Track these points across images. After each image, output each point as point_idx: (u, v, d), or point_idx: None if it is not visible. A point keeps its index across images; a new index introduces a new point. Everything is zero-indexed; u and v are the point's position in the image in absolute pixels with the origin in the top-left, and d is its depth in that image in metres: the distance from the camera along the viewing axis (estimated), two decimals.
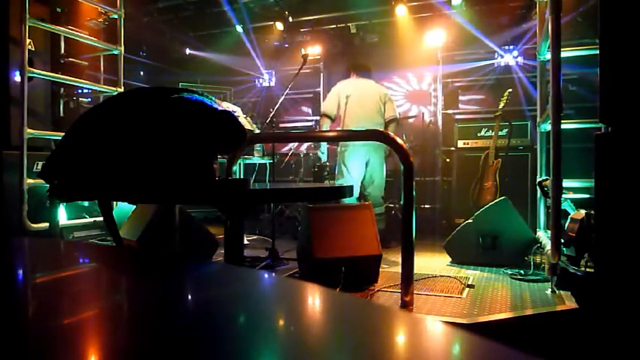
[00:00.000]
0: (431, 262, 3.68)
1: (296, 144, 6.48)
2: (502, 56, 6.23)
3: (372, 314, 0.47)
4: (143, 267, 0.69)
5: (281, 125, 6.76)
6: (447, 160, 5.79)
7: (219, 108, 1.50)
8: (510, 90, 4.79)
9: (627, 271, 1.81)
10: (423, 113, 6.64)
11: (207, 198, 1.64)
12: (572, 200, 3.00)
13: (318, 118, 6.28)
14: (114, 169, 1.38)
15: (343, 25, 6.91)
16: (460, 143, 5.32)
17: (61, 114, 4.54)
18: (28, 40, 3.35)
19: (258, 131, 4.56)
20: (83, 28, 4.63)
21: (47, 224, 3.42)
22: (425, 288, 2.84)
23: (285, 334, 0.42)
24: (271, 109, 4.16)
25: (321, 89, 7.09)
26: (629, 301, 1.79)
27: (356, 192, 4.13)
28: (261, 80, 8.11)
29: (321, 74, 7.14)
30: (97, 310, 0.49)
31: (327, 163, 5.06)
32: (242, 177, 4.80)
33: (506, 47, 6.18)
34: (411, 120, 6.23)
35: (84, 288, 0.59)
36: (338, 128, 4.40)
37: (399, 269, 2.30)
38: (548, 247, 2.60)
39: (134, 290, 0.59)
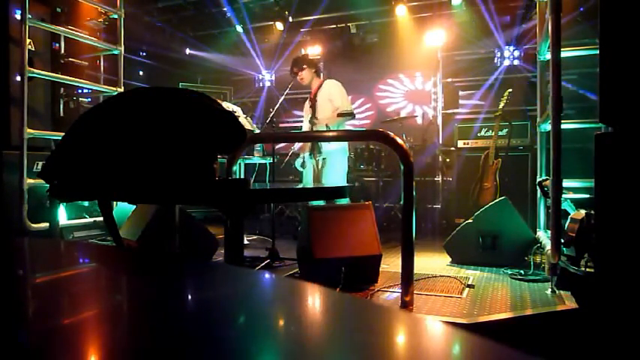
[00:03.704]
0: (431, 262, 3.68)
1: (295, 144, 6.48)
2: (502, 56, 6.23)
3: (372, 314, 0.46)
4: (143, 267, 0.69)
5: (281, 125, 6.76)
6: (447, 160, 5.79)
7: (219, 108, 1.50)
8: (510, 90, 4.79)
9: (627, 271, 1.81)
10: (423, 113, 6.64)
11: (207, 198, 1.64)
12: (572, 200, 3.00)
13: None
14: (114, 169, 1.38)
15: (343, 25, 6.91)
16: (460, 143, 5.32)
17: (61, 114, 4.54)
18: (28, 40, 3.35)
19: (258, 131, 4.56)
20: (83, 28, 4.63)
21: (47, 224, 3.42)
22: (425, 288, 2.84)
23: (286, 334, 0.42)
24: (271, 109, 4.16)
25: None
26: (629, 301, 1.79)
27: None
28: (261, 80, 8.12)
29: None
30: (97, 310, 0.49)
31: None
32: (242, 177, 4.80)
33: (507, 47, 6.19)
34: (418, 120, 6.22)
35: (84, 288, 0.59)
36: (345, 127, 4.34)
37: (399, 269, 2.30)
38: (548, 247, 2.60)
39: (134, 290, 0.59)
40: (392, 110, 6.85)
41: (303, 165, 4.42)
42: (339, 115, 4.14)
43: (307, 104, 4.43)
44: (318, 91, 4.31)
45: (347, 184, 4.12)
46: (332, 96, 4.20)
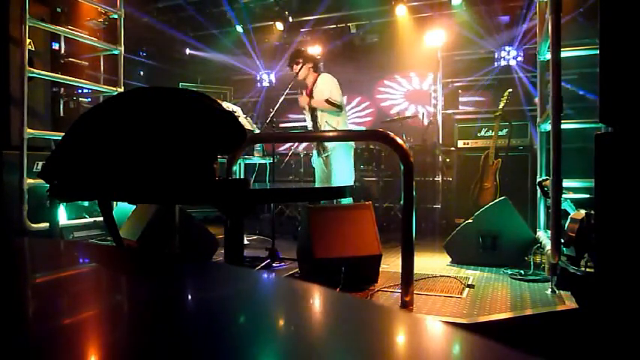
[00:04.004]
0: (431, 262, 3.68)
1: (296, 144, 6.48)
2: (502, 56, 6.23)
3: (372, 314, 0.46)
4: (143, 267, 0.69)
5: (281, 125, 6.76)
6: (447, 160, 5.79)
7: (219, 108, 1.50)
8: (510, 90, 4.79)
9: (627, 271, 1.81)
10: (423, 113, 6.64)
11: (207, 198, 1.64)
12: (572, 200, 3.00)
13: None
14: (114, 170, 1.38)
15: (343, 25, 6.91)
16: (460, 143, 5.32)
17: (61, 114, 4.54)
18: (28, 40, 3.35)
19: (258, 131, 4.57)
20: (83, 28, 4.64)
21: (47, 224, 3.42)
22: (425, 288, 2.84)
23: (286, 334, 0.42)
24: (271, 109, 4.16)
25: None
26: (629, 301, 1.79)
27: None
28: (261, 80, 8.11)
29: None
30: (97, 310, 0.49)
31: None
32: (242, 177, 4.80)
33: (507, 47, 6.19)
34: (418, 120, 6.22)
35: (84, 288, 0.59)
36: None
37: (399, 269, 2.30)
38: (548, 247, 2.60)
39: (134, 290, 0.59)
40: (392, 110, 6.86)
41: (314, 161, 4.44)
42: (327, 101, 4.12)
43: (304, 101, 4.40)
44: (314, 87, 4.30)
45: (350, 184, 4.12)
46: (324, 91, 4.19)
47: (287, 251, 3.77)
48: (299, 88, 4.55)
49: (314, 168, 4.53)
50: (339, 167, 4.15)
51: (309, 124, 4.42)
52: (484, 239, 3.50)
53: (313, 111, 4.29)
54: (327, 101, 4.13)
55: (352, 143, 4.36)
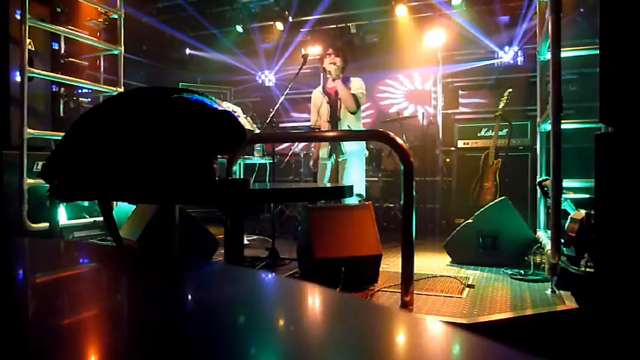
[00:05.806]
0: (431, 262, 3.68)
1: (296, 144, 6.48)
2: (502, 56, 6.23)
3: (372, 314, 0.46)
4: (143, 267, 0.69)
5: (281, 125, 6.76)
6: (447, 160, 5.80)
7: (219, 108, 1.50)
8: (510, 90, 4.80)
9: (627, 271, 1.81)
10: (423, 113, 6.64)
11: (207, 198, 1.64)
12: (572, 200, 3.00)
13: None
14: (114, 169, 1.38)
15: (343, 25, 6.91)
16: (460, 143, 5.32)
17: (61, 114, 4.54)
18: (28, 40, 3.35)
19: (258, 131, 4.56)
20: (83, 28, 4.64)
21: (47, 224, 3.42)
22: (425, 288, 2.84)
23: (285, 334, 0.42)
24: (271, 109, 4.16)
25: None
26: (629, 301, 1.79)
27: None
28: (261, 80, 8.11)
29: (321, 74, 7.14)
30: (97, 310, 0.49)
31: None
32: (242, 177, 4.80)
33: (507, 47, 6.19)
34: (418, 120, 6.21)
35: (84, 288, 0.59)
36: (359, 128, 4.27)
37: (399, 269, 2.30)
38: (548, 247, 2.60)
39: (134, 290, 0.59)
40: (392, 110, 6.85)
41: (314, 166, 4.35)
42: (352, 95, 4.02)
43: (323, 99, 4.21)
44: (346, 84, 4.13)
45: (350, 184, 4.11)
46: (355, 88, 4.08)
47: (287, 251, 3.77)
48: (299, 88, 4.53)
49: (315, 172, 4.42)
50: (354, 172, 4.08)
51: (318, 119, 4.22)
52: (484, 239, 3.50)
53: (335, 112, 4.14)
54: (353, 95, 4.03)
55: (366, 151, 4.30)
